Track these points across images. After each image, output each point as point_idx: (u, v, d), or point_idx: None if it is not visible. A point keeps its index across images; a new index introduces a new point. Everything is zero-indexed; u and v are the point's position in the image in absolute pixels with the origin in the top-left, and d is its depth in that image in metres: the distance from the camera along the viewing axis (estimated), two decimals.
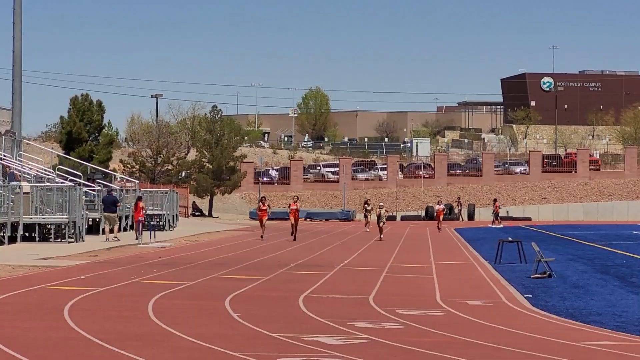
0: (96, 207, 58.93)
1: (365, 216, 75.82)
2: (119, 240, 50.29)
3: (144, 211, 54.27)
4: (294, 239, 55.99)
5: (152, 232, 54.30)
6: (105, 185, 63.66)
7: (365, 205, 78.11)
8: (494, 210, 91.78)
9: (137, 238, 51.08)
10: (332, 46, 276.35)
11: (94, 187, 61.21)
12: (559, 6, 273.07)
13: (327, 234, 68.67)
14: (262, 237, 56.89)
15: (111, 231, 52.16)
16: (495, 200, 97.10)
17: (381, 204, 67.86)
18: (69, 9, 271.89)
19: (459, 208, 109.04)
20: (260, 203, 59.85)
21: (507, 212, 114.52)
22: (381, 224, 61.85)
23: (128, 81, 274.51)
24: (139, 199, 55.12)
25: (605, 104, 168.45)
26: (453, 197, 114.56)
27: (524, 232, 71.30)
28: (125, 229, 54.71)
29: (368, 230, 71.62)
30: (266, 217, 58.71)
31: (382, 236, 60.27)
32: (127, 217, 59.65)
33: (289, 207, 61.31)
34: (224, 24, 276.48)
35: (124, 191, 64.67)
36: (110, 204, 53.39)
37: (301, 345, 17.52)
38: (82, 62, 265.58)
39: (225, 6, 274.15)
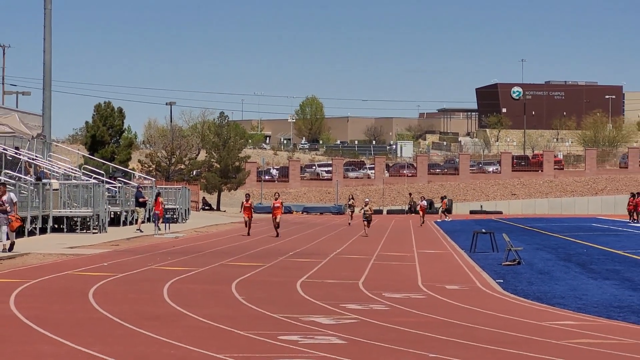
0: (117, 202, 59.01)
1: (352, 211, 69.46)
2: (142, 232, 50.49)
3: (163, 205, 54.97)
4: (277, 235, 50.31)
5: (167, 224, 54.45)
6: (126, 183, 63.76)
7: (350, 201, 70.49)
8: (441, 206, 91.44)
9: (155, 229, 51.47)
10: (326, 59, 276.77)
11: (115, 184, 61.22)
12: (528, 22, 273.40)
13: (321, 226, 68.68)
14: (248, 233, 51.18)
15: (136, 222, 53.36)
16: (443, 197, 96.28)
17: (367, 199, 61.43)
18: (93, 25, 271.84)
19: (411, 204, 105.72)
20: (244, 200, 53.52)
21: (481, 206, 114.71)
22: (365, 222, 53.82)
23: (145, 90, 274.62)
24: (158, 194, 55.71)
25: (568, 111, 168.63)
26: (434, 193, 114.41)
27: (496, 225, 71.35)
28: (143, 222, 54.78)
29: (350, 223, 66.63)
30: (249, 215, 52.05)
31: (366, 232, 53.37)
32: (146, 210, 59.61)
33: (272, 204, 53.32)
34: (231, 40, 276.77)
35: (142, 187, 64.69)
36: (139, 199, 54.73)
37: (299, 325, 17.53)
38: (104, 73, 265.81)
39: (232, 24, 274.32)
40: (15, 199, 34.66)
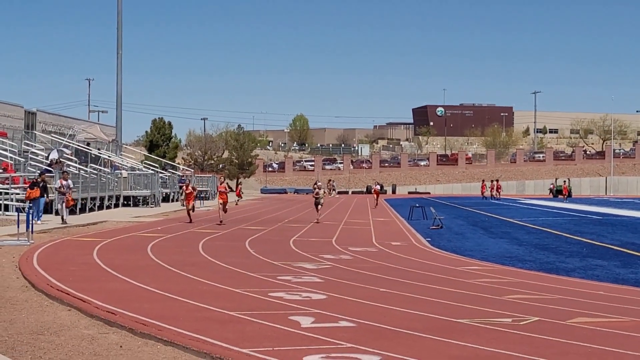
0: (167, 186, 59.00)
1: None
2: (184, 206, 50.41)
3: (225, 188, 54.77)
4: (220, 222, 32.84)
5: (202, 201, 54.39)
6: (173, 173, 63.81)
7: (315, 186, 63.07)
8: (329, 187, 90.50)
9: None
10: (310, 89, 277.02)
11: (166, 173, 61.19)
12: (447, 61, 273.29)
13: (306, 202, 68.62)
14: (191, 221, 33.36)
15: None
16: (329, 180, 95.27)
17: (319, 184, 39.01)
18: (149, 62, 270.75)
19: (334, 189, 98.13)
20: (184, 187, 35.88)
21: (416, 189, 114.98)
22: (319, 206, 36.66)
23: (187, 109, 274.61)
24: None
25: (475, 124, 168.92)
26: (384, 180, 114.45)
27: (426, 201, 71.53)
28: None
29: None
30: (192, 203, 34.31)
31: (319, 218, 37.07)
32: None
33: (216, 189, 31.80)
34: (246, 75, 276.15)
35: (185, 176, 64.79)
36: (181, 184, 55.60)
37: (291, 269, 17.55)
38: (159, 96, 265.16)
39: (248, 66, 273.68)
40: (71, 185, 32.93)
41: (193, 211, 34.58)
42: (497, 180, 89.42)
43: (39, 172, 36.20)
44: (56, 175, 35.07)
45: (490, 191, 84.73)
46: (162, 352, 9.05)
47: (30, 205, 28.14)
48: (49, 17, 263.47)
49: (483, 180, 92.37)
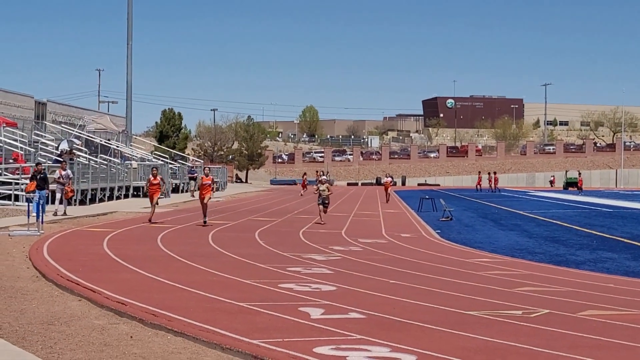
0: (177, 176, 59.09)
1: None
2: (194, 197, 50.47)
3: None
4: (205, 223, 27.19)
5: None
6: (183, 164, 63.88)
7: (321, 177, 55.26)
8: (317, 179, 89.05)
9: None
10: (320, 80, 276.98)
11: (175, 164, 61.27)
12: (457, 55, 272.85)
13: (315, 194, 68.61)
14: (150, 220, 28.07)
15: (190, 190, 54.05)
16: (317, 171, 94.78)
17: (323, 177, 36.76)
18: (160, 54, 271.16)
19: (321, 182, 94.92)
20: (151, 176, 29.28)
21: (425, 180, 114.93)
22: (324, 207, 30.51)
23: (197, 100, 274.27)
24: (206, 175, 55.81)
25: (485, 116, 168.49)
26: (393, 172, 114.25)
27: (435, 193, 71.42)
28: (194, 190, 54.72)
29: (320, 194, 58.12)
30: (158, 195, 28.78)
31: (322, 218, 30.21)
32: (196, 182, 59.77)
33: (200, 180, 28.76)
34: (256, 67, 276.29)
35: (194, 167, 64.88)
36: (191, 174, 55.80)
37: (301, 260, 17.55)
38: (169, 87, 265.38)
39: (258, 59, 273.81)
40: (71, 175, 31.67)
41: (153, 207, 28.81)
42: (495, 173, 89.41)
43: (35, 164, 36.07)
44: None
45: (489, 184, 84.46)
46: (172, 342, 9.07)
47: (39, 196, 27.90)
48: (60, 8, 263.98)
49: (479, 172, 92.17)
